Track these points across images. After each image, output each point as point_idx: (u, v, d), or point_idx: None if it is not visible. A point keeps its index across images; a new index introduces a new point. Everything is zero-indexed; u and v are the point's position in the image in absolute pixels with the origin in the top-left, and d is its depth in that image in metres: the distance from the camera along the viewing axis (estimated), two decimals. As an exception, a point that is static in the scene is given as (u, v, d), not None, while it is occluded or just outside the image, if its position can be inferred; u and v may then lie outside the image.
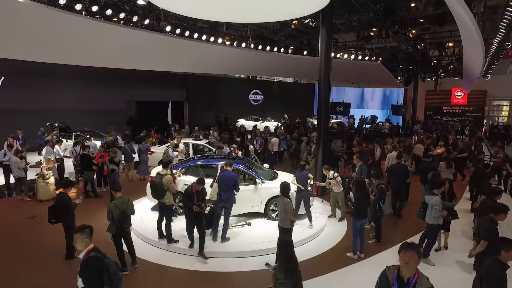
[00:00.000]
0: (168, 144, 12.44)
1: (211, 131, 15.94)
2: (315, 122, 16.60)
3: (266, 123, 23.29)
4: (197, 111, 22.60)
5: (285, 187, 5.57)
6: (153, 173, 7.99)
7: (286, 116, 25.20)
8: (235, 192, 6.49)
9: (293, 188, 7.24)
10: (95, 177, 9.97)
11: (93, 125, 16.14)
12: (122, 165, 9.80)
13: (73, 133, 14.61)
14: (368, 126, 25.70)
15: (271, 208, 7.57)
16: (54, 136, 13.56)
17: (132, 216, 5.51)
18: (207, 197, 6.33)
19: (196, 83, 23.09)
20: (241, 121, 23.75)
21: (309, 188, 7.92)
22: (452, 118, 31.33)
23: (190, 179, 7.82)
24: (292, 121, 24.60)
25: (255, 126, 19.45)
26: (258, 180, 7.61)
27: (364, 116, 28.33)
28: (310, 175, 7.69)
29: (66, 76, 16.43)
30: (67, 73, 16.13)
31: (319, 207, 8.70)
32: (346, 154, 12.61)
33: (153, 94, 20.76)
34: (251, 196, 7.56)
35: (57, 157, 10.91)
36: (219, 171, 6.60)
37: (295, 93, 29.30)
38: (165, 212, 6.44)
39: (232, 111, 23.87)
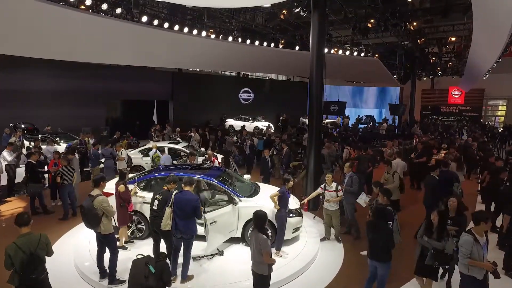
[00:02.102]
0: (148, 146, 11.07)
1: (192, 133, 14.37)
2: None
3: (256, 123, 21.86)
4: (183, 111, 21.01)
5: (259, 218, 4.00)
6: (110, 185, 6.39)
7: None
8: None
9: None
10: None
11: (67, 126, 14.51)
12: (75, 175, 8.19)
13: (40, 135, 12.96)
14: (363, 126, 24.38)
15: (249, 232, 6.06)
16: (17, 139, 11.96)
17: (48, 257, 3.93)
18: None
19: (182, 81, 21.50)
20: (230, 121, 22.37)
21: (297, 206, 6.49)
22: (449, 118, 30.57)
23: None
24: (283, 121, 23.25)
25: (243, 126, 17.96)
26: (235, 198, 6.10)
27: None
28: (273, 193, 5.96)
29: (35, 69, 14.64)
30: (37, 65, 14.29)
31: (310, 227, 7.20)
32: (342, 158, 11.22)
33: (136, 91, 19.15)
34: (227, 219, 6.03)
35: (5, 163, 9.33)
36: (174, 191, 5.04)
37: (288, 91, 27.84)
38: (105, 243, 4.92)
39: (220, 111, 22.45)
